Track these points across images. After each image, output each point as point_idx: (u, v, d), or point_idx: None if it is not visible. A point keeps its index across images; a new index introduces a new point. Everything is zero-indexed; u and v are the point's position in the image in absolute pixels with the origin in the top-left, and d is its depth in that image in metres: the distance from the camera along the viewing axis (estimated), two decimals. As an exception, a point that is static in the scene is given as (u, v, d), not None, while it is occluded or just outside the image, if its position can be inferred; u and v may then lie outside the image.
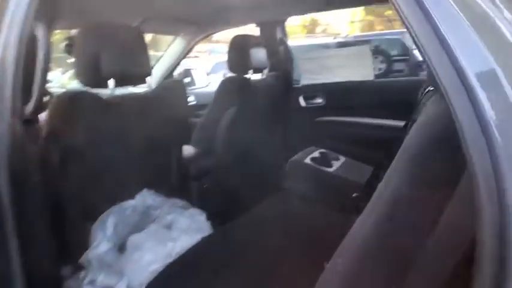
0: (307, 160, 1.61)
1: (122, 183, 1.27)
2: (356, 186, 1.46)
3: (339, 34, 9.77)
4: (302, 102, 2.57)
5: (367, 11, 14.95)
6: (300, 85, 2.60)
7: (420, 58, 0.81)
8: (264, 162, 2.42)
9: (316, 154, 1.68)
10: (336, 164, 1.62)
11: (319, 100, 2.54)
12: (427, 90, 1.04)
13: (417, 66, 5.17)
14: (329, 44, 6.75)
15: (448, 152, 0.57)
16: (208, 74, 4.50)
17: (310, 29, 17.05)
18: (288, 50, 2.49)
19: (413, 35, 0.57)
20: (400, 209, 0.59)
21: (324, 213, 1.36)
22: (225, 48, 2.12)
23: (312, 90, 2.54)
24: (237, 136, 1.84)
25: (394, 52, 6.82)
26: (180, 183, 1.59)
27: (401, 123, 2.20)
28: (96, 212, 1.25)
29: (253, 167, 1.84)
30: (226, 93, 1.87)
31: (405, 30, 0.60)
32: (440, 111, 0.60)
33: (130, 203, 1.32)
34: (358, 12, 15.11)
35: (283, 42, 2.48)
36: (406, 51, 6.61)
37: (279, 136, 2.45)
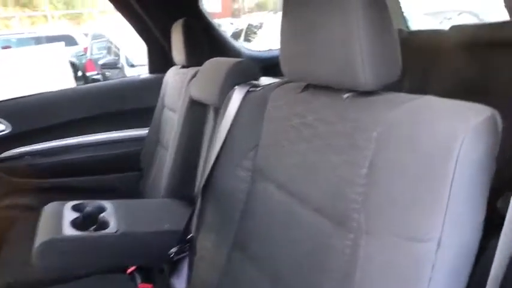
0: (68, 230, 0.94)
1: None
2: (164, 237, 1.00)
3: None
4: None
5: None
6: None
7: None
8: None
9: (70, 214, 1.03)
10: (110, 217, 1.05)
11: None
12: None
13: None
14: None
15: None
16: None
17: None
18: None
19: None
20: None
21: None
22: None
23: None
24: None
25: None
26: None
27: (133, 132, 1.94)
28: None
29: None
30: None
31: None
32: None
33: None
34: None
35: None
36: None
37: None
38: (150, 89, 1.83)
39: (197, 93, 1.20)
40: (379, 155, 0.52)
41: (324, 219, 0.59)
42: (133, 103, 1.91)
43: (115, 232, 1.01)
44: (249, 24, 7.37)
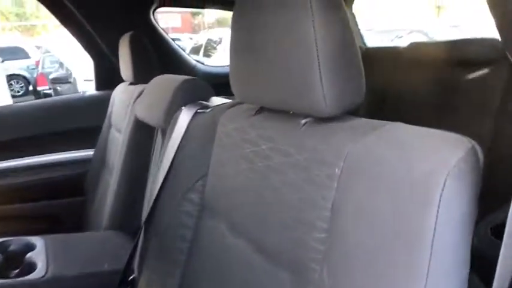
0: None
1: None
2: (103, 280, 0.87)
3: None
4: None
5: None
6: None
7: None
8: None
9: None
10: (39, 257, 0.90)
11: None
12: None
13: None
14: None
15: None
16: None
17: None
18: None
19: None
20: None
21: None
22: None
23: None
24: None
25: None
26: None
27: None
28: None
29: None
30: None
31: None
32: None
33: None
34: None
35: None
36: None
37: None
38: (97, 106, 1.69)
39: (142, 113, 1.09)
40: (344, 197, 0.43)
41: (280, 267, 0.50)
42: (79, 122, 1.75)
43: (42, 276, 0.86)
44: (208, 39, 7.29)
